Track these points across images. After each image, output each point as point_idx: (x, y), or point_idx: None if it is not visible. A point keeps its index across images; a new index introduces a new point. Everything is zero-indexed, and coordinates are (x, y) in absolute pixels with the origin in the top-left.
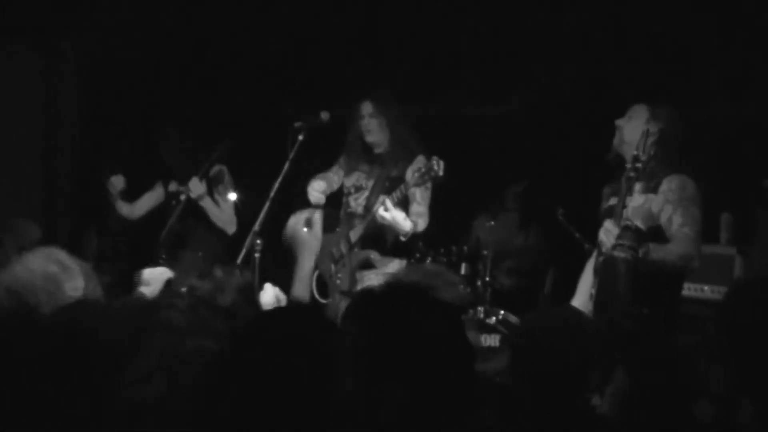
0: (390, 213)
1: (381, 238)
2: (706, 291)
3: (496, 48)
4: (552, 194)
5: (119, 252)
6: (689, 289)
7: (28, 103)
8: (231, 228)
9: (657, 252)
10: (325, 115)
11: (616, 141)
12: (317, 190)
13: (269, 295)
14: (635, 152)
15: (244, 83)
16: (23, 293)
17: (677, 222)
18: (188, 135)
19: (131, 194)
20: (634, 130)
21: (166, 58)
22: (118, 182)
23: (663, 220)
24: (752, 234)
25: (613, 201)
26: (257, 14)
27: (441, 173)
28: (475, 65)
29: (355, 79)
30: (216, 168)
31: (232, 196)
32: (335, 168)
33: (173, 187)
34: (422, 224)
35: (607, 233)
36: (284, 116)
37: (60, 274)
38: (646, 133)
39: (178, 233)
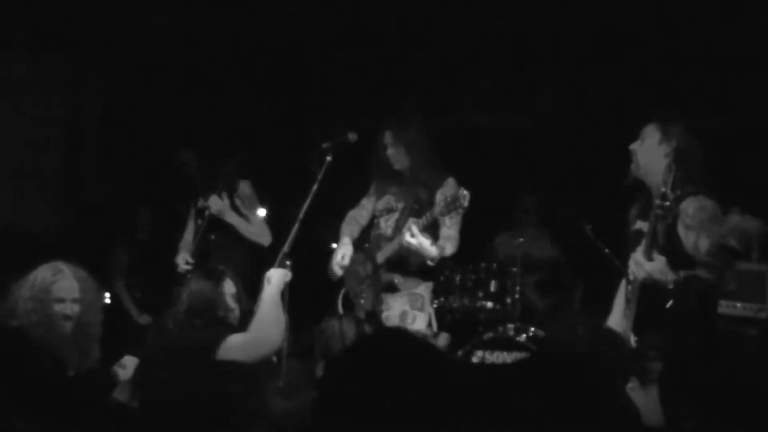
0: (416, 239)
1: (407, 261)
2: (739, 308)
3: (515, 58)
4: (577, 208)
5: (148, 267)
6: (721, 306)
7: (50, 115)
8: (265, 240)
9: (700, 280)
10: (352, 136)
11: (633, 166)
12: (339, 263)
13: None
14: (663, 189)
15: (271, 101)
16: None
17: (704, 246)
18: (208, 152)
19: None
20: (647, 153)
21: (192, 75)
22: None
23: (689, 246)
24: None
25: (640, 224)
26: (285, 33)
27: (466, 205)
28: (494, 75)
29: (374, 94)
30: (241, 183)
31: (262, 212)
32: (365, 201)
33: (201, 203)
34: (450, 249)
35: (638, 266)
36: (312, 136)
37: (49, 276)
38: (672, 169)
39: (204, 249)
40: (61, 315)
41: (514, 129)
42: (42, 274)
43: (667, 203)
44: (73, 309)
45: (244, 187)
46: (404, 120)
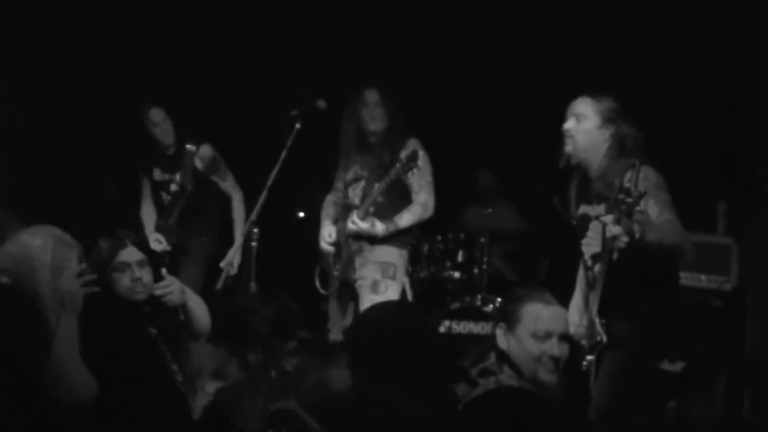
0: (356, 226)
1: None
2: (703, 280)
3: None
4: (543, 178)
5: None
6: (686, 278)
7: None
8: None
9: (653, 233)
10: (321, 103)
11: (570, 149)
12: (327, 241)
13: None
14: (627, 184)
15: (241, 71)
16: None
17: (655, 212)
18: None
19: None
20: (587, 136)
21: (159, 42)
22: None
23: (638, 216)
24: (746, 221)
25: (584, 208)
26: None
27: (420, 164)
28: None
29: (343, 63)
30: (201, 148)
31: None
32: (337, 182)
33: (159, 176)
34: (410, 217)
35: (588, 247)
36: (280, 104)
37: (58, 246)
38: (638, 167)
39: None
40: None
41: (484, 96)
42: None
43: (631, 199)
44: None
45: (205, 150)
46: (388, 80)
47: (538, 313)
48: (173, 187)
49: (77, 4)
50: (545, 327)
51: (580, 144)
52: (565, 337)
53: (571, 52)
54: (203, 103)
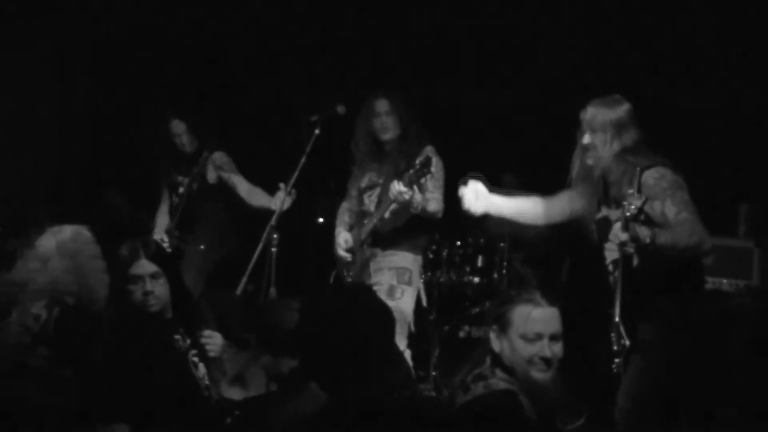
0: (399, 188)
1: (391, 233)
2: (725, 284)
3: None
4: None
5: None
6: (708, 283)
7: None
8: (266, 200)
9: (664, 236)
10: (341, 108)
11: (592, 161)
12: (343, 247)
13: None
14: (630, 190)
15: (261, 77)
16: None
17: (672, 212)
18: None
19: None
20: (607, 146)
21: (178, 48)
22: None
23: (657, 217)
24: None
25: (605, 211)
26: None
27: (434, 170)
28: (479, 50)
29: (362, 69)
30: (215, 154)
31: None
32: (351, 190)
33: (174, 178)
34: (434, 205)
35: (609, 252)
36: (300, 110)
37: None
38: (639, 173)
39: (185, 223)
40: None
41: (502, 105)
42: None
43: (633, 206)
44: None
45: (220, 157)
46: (397, 88)
47: (528, 315)
48: (180, 190)
49: (103, 17)
50: (535, 329)
51: (601, 155)
52: (557, 337)
53: (595, 59)
54: (222, 110)
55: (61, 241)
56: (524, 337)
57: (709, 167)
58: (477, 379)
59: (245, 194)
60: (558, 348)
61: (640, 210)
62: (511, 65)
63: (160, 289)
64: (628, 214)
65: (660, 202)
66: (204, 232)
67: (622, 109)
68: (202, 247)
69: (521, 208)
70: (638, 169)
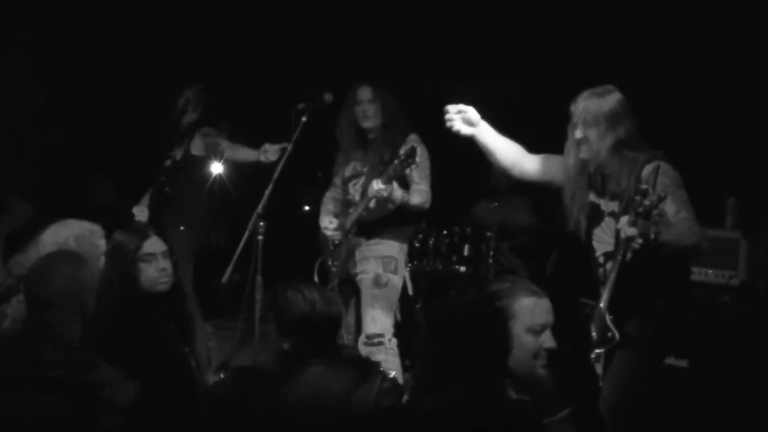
0: (378, 187)
1: (377, 222)
2: (711, 275)
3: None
4: None
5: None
6: (694, 273)
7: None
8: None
9: (668, 233)
10: (328, 97)
11: (586, 155)
12: (331, 229)
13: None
14: (644, 186)
15: (246, 65)
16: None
17: (672, 210)
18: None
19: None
20: (601, 140)
21: (168, 32)
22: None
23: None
24: (758, 218)
25: (594, 198)
26: None
27: (419, 160)
28: (471, 40)
29: (352, 57)
30: (205, 129)
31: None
32: (335, 179)
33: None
34: (418, 199)
35: (601, 244)
36: (287, 98)
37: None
38: (657, 170)
39: (158, 203)
40: None
41: (498, 95)
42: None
43: (648, 202)
44: None
45: (208, 129)
46: (380, 76)
47: (533, 308)
48: (167, 162)
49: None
50: (541, 320)
51: (596, 149)
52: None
53: (589, 53)
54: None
55: (78, 235)
56: (532, 330)
57: (697, 158)
58: None
59: (229, 151)
60: (553, 339)
61: (653, 207)
62: (505, 56)
63: (170, 267)
64: (640, 209)
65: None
66: (184, 214)
67: (615, 100)
68: (182, 228)
69: (504, 147)
70: (640, 162)
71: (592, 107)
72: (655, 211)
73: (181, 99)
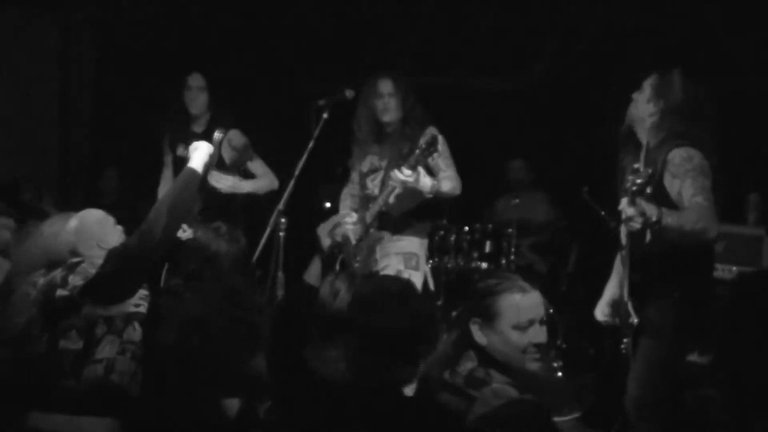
0: (403, 175)
1: (400, 218)
2: (734, 272)
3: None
4: (574, 171)
5: None
6: (717, 270)
7: (44, 73)
8: (275, 183)
9: (671, 216)
10: (349, 93)
11: (630, 113)
12: (349, 222)
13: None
14: (636, 165)
15: (268, 60)
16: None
17: (688, 194)
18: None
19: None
20: (639, 106)
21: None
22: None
23: (674, 195)
24: None
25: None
26: None
27: (440, 149)
28: (490, 37)
29: (369, 53)
30: (231, 133)
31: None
32: (353, 174)
33: (181, 152)
34: (449, 185)
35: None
36: (308, 94)
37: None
38: (667, 151)
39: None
40: None
41: (510, 90)
42: None
43: (640, 180)
44: None
45: (236, 136)
46: (400, 70)
47: (518, 304)
48: None
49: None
50: (527, 316)
51: (633, 112)
52: (543, 321)
53: (607, 46)
54: (231, 94)
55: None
56: (518, 327)
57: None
58: (473, 384)
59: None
60: (544, 332)
61: (646, 184)
62: (521, 51)
63: None
64: (634, 188)
65: (680, 181)
66: (214, 214)
67: (670, 71)
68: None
69: None
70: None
71: (652, 76)
72: (647, 190)
73: (192, 79)
